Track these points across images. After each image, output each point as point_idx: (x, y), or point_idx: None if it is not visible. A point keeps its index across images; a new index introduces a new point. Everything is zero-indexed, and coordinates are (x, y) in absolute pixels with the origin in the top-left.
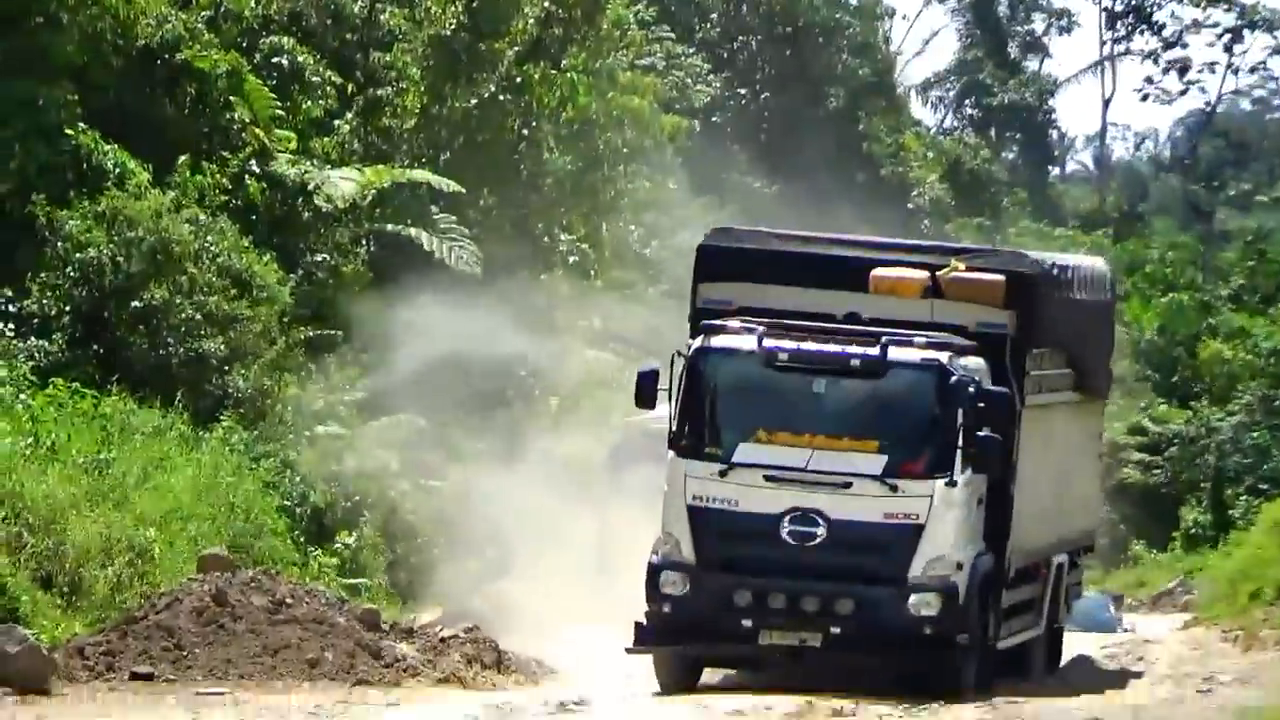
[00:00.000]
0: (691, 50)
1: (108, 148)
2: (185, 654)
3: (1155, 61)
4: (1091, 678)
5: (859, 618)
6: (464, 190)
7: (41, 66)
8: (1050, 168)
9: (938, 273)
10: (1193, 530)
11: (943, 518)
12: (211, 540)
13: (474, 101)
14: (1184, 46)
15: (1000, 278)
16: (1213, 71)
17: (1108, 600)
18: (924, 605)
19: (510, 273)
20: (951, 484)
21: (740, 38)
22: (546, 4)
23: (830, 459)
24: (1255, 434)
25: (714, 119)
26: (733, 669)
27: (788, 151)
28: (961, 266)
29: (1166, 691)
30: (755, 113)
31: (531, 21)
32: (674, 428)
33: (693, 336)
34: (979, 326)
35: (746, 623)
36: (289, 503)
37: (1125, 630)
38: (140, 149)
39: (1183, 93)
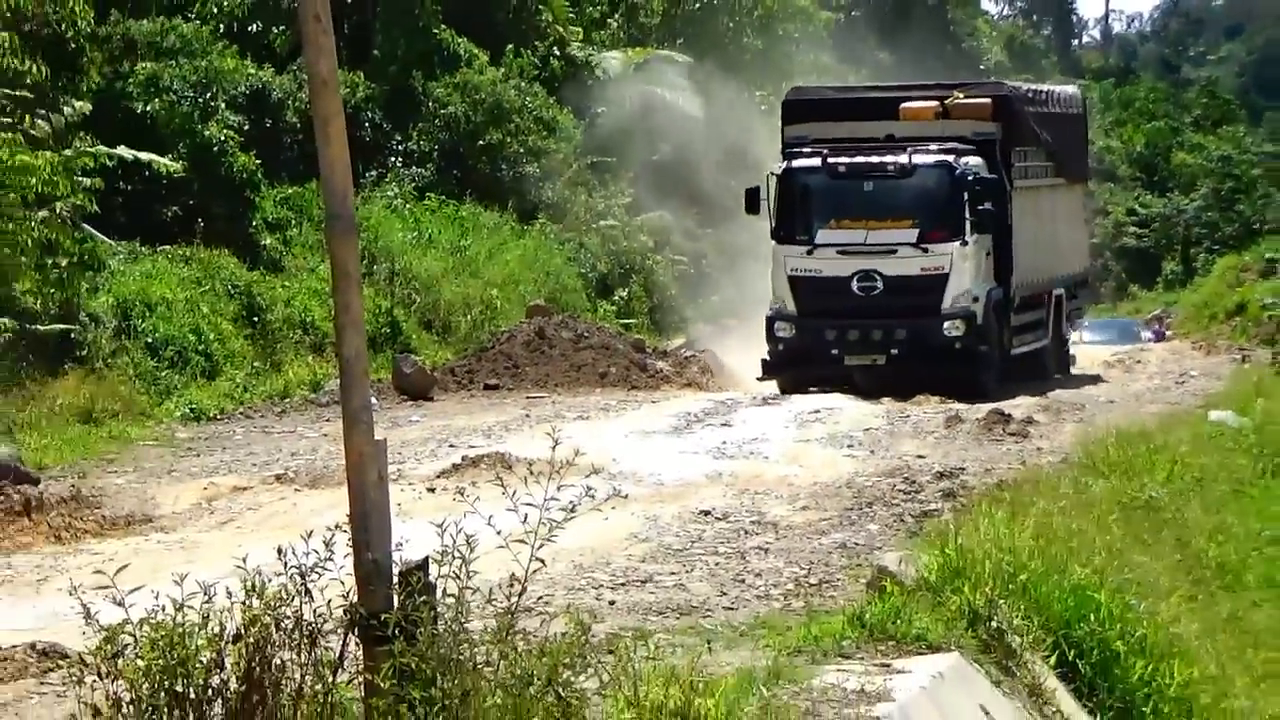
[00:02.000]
0: None
1: (459, 39)
2: (519, 371)
3: None
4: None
5: (910, 341)
6: (692, 61)
7: None
8: (1072, 40)
9: (945, 101)
10: (1170, 276)
11: (960, 267)
12: (535, 295)
13: (698, 4)
14: None
15: (988, 100)
16: None
17: (1135, 323)
18: (954, 328)
19: (724, 115)
20: (964, 244)
21: None
22: None
23: (880, 235)
24: (1209, 213)
25: (853, 13)
26: (825, 384)
27: (899, 33)
28: (961, 95)
29: (1156, 382)
30: (879, 8)
31: None
32: (773, 224)
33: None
34: (975, 135)
35: (835, 351)
36: (583, 270)
37: (1150, 338)
38: (481, 40)
39: None
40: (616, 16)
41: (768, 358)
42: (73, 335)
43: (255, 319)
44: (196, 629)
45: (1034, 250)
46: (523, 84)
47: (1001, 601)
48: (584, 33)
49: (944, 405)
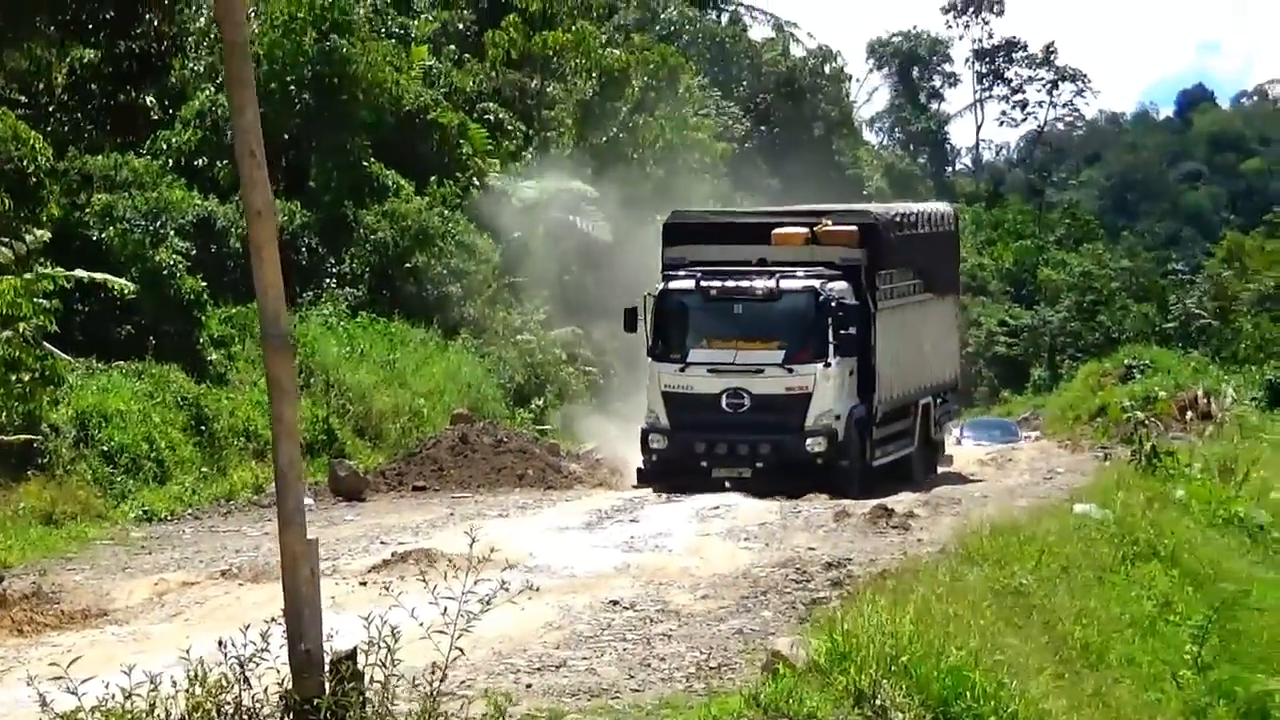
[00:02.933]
0: (731, 103)
1: (388, 171)
2: (444, 473)
3: (1007, 101)
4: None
5: (775, 455)
6: (598, 193)
7: (348, 123)
8: (946, 167)
9: (814, 228)
10: (1038, 381)
11: (823, 387)
12: (458, 404)
13: (604, 139)
14: (1023, 92)
15: (854, 227)
16: (1040, 106)
17: (1014, 423)
18: (816, 444)
19: (629, 238)
20: (828, 365)
21: (761, 95)
22: (646, 78)
23: (749, 355)
24: (1073, 324)
25: (747, 144)
26: (697, 493)
27: (789, 162)
28: (829, 222)
29: (1026, 478)
30: (770, 140)
31: (638, 88)
32: (649, 342)
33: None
34: (842, 260)
35: (704, 464)
36: (502, 381)
37: (1026, 438)
38: (408, 172)
39: (1024, 120)
40: (531, 150)
41: (642, 467)
42: (35, 444)
43: (203, 428)
44: (144, 715)
45: (898, 366)
46: (445, 211)
47: (884, 681)
48: (501, 164)
49: (833, 501)
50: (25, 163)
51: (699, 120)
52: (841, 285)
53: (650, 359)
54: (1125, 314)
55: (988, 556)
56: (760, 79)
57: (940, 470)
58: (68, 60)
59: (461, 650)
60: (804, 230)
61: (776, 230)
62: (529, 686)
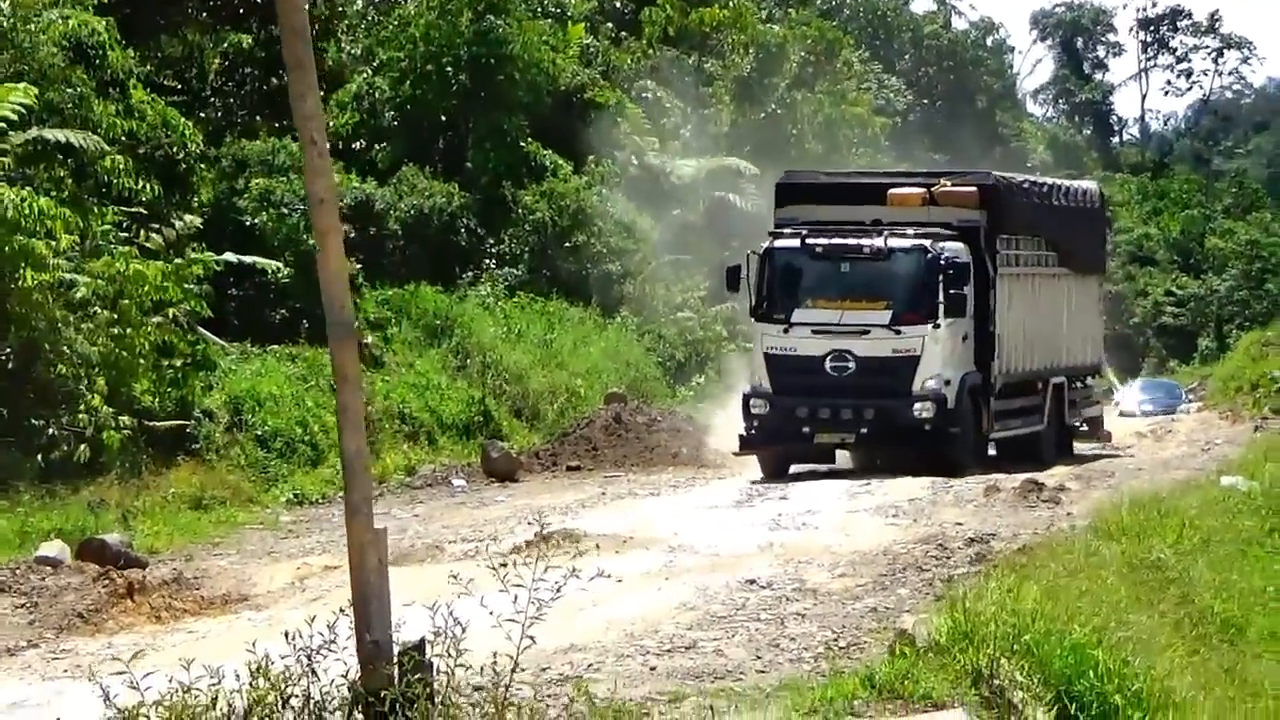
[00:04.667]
0: (892, 77)
1: (545, 151)
2: (598, 453)
3: (1172, 70)
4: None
5: (880, 421)
6: (757, 170)
7: (505, 103)
8: (1111, 138)
9: (932, 188)
10: (1205, 351)
11: (932, 350)
12: (616, 384)
13: (763, 115)
14: (1188, 60)
15: (973, 189)
16: (1206, 75)
17: (1179, 387)
18: (924, 409)
19: None
20: (937, 327)
21: (922, 68)
22: (804, 54)
23: (854, 315)
24: (1240, 293)
25: (909, 118)
26: (803, 461)
27: (950, 136)
28: (948, 183)
29: (1184, 450)
30: (931, 113)
31: (796, 63)
32: (752, 302)
33: None
34: (960, 222)
35: (806, 429)
36: (661, 359)
37: (1187, 407)
38: (564, 151)
39: (1189, 89)
40: (688, 127)
41: (743, 434)
42: (187, 430)
43: None
44: (205, 710)
45: (1023, 338)
46: (604, 190)
47: (1005, 660)
48: (659, 142)
49: (986, 476)
50: (175, 149)
51: (859, 95)
52: (956, 245)
53: (753, 320)
54: None
55: (1126, 530)
56: (922, 52)
57: (1090, 450)
58: (222, 46)
59: (533, 639)
60: (920, 190)
61: (892, 190)
62: (654, 669)
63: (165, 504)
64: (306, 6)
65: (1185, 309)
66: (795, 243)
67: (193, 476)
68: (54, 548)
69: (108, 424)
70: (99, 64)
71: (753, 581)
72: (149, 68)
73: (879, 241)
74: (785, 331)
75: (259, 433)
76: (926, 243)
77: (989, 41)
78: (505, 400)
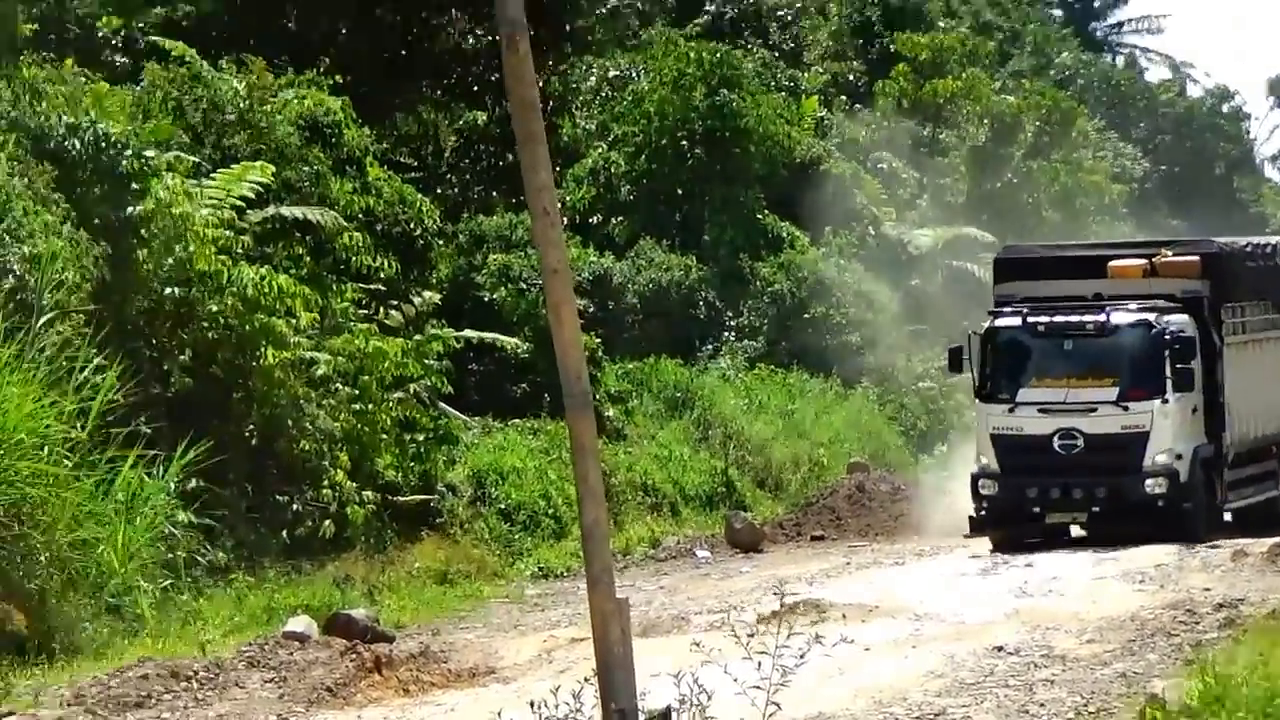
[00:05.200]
0: (1127, 144)
1: (782, 224)
2: (842, 522)
3: None
4: None
5: (1112, 499)
6: (995, 239)
7: (741, 176)
8: None
9: (1153, 259)
10: None
11: (1161, 425)
12: (858, 453)
13: (998, 184)
14: None
15: (1196, 258)
16: None
17: None
18: (1156, 485)
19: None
20: (1165, 402)
21: (1158, 135)
22: (1038, 123)
23: (1081, 393)
24: None
25: (1146, 185)
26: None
27: (1189, 202)
28: (1169, 253)
29: None
30: (1168, 180)
31: (1030, 133)
32: (975, 382)
33: None
34: (1183, 293)
35: (1037, 509)
36: (903, 428)
37: None
38: (801, 223)
39: None
40: (924, 197)
41: (973, 515)
42: (431, 504)
43: None
44: None
45: (1254, 405)
46: (841, 261)
47: None
48: (895, 212)
49: (1234, 541)
50: (413, 225)
51: (1095, 162)
52: (1181, 318)
53: (977, 400)
54: None
55: None
56: (1158, 120)
57: None
58: (457, 123)
59: (778, 705)
60: (1142, 262)
61: (1112, 263)
62: None
63: (410, 578)
64: (539, 82)
65: None
66: (1017, 321)
67: (437, 551)
68: (301, 623)
69: (352, 499)
70: (335, 142)
71: (1000, 648)
72: (384, 145)
73: (1102, 318)
74: (1010, 411)
75: (502, 506)
76: (1151, 317)
77: (1225, 108)
78: (748, 471)
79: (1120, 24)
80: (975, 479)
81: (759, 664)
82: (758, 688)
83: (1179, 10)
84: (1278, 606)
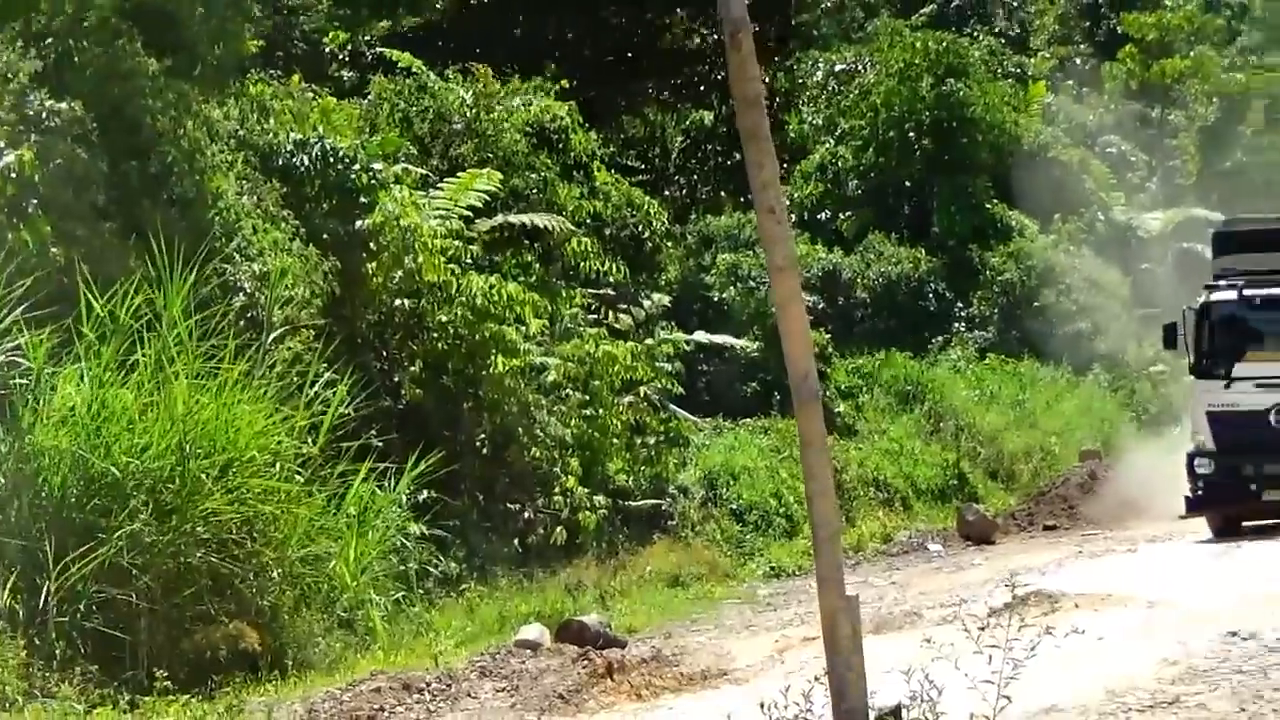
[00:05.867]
0: None
1: (1010, 212)
2: (1074, 511)
3: None
4: None
5: None
6: (1223, 219)
7: (969, 166)
8: None
9: None
10: None
11: None
12: (1090, 441)
13: (1229, 164)
14: None
15: None
16: None
17: None
18: None
19: None
20: None
21: None
22: (1268, 99)
23: None
24: None
25: None
26: (1254, 519)
27: None
28: None
29: None
30: None
31: (1260, 110)
32: (1190, 359)
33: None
34: None
35: (1254, 487)
36: (1134, 413)
37: None
38: (1029, 211)
39: None
40: (1154, 180)
41: (1189, 495)
42: (663, 507)
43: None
44: None
45: None
46: (1071, 248)
47: None
48: (1125, 196)
49: None
50: (641, 228)
51: None
52: None
53: (1192, 377)
54: None
55: None
56: None
57: None
58: (683, 124)
59: (1009, 699)
60: None
61: None
62: None
63: (642, 582)
64: (764, 78)
65: None
66: (1232, 295)
67: (669, 553)
68: (533, 631)
69: (583, 505)
70: (562, 148)
71: (1235, 634)
72: (612, 149)
73: None
74: (1226, 387)
75: (733, 506)
76: None
77: None
78: (980, 463)
79: None
80: (1191, 458)
81: (989, 657)
82: (989, 681)
83: None
84: None
